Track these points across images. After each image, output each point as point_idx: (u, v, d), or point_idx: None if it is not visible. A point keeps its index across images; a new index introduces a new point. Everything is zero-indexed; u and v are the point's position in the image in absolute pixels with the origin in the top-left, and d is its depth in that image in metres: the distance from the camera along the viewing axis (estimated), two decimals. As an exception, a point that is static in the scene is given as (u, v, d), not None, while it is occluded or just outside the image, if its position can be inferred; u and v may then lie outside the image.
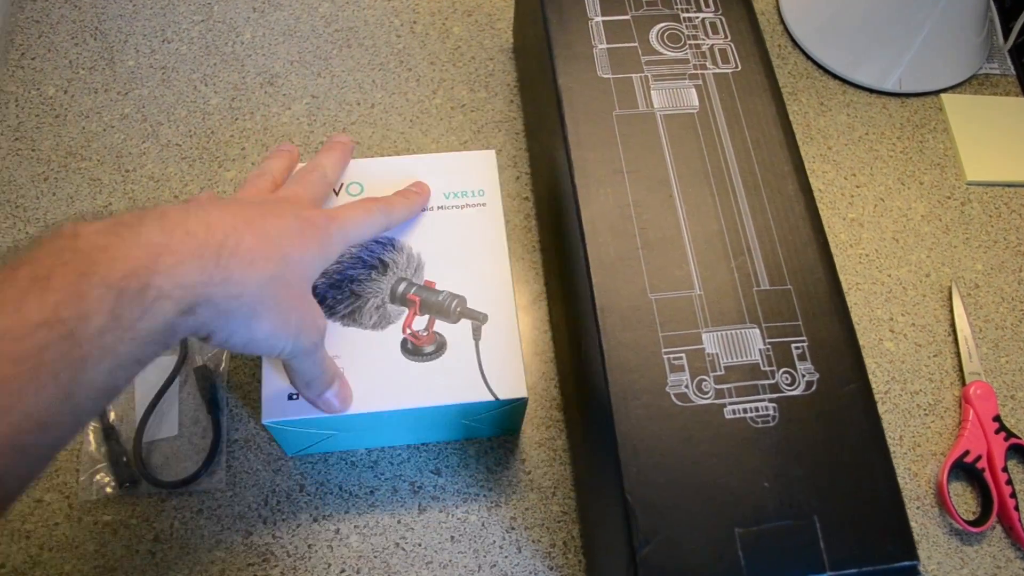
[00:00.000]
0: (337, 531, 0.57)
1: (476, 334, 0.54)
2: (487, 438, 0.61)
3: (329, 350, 0.51)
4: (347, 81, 0.75)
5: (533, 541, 0.57)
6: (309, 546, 0.57)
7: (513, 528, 0.58)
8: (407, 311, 0.54)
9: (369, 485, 0.59)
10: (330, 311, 0.54)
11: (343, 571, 0.56)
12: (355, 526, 0.58)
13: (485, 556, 0.57)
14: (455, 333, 0.54)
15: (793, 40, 0.80)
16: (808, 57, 0.79)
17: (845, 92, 0.78)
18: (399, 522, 0.58)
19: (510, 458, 0.60)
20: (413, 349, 0.53)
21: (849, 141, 0.75)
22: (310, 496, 0.58)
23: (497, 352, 0.54)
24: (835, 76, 0.79)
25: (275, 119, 0.73)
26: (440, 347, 0.53)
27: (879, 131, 0.76)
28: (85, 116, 0.73)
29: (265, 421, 0.51)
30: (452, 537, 0.57)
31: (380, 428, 0.56)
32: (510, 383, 0.53)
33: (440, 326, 0.54)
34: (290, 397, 0.52)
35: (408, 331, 0.54)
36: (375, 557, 0.57)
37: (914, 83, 0.77)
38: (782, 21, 0.81)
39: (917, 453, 0.62)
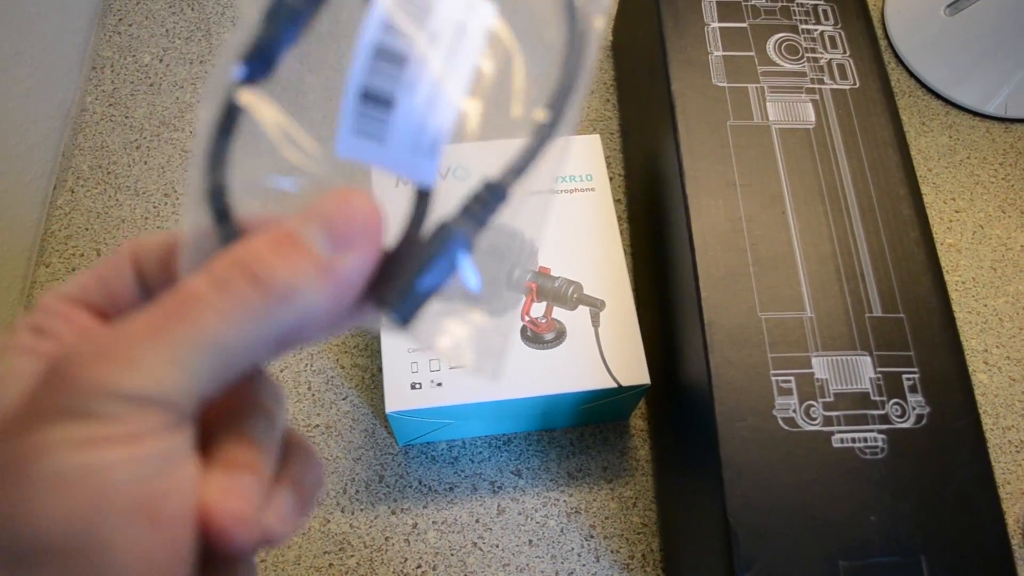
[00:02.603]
0: (415, 525, 0.57)
1: (595, 320, 0.54)
2: (570, 442, 0.60)
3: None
4: (442, 68, 0.74)
5: (612, 551, 0.57)
6: (386, 538, 0.57)
7: (592, 536, 0.57)
8: (524, 298, 0.54)
9: (449, 481, 0.58)
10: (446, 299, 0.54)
11: (419, 567, 0.56)
12: (433, 522, 0.57)
13: (563, 563, 0.56)
14: (573, 320, 0.54)
15: (897, 55, 0.78)
16: (911, 74, 0.77)
17: (948, 113, 0.76)
18: (477, 521, 0.57)
19: (591, 464, 0.59)
20: (533, 336, 0.53)
21: (950, 164, 0.73)
22: (389, 488, 0.58)
23: (616, 338, 0.54)
24: (937, 95, 0.76)
25: (368, 102, 0.72)
26: (560, 335, 0.53)
27: (981, 156, 0.74)
28: (179, 86, 0.72)
29: (389, 411, 0.51)
30: (530, 541, 0.57)
31: (497, 417, 0.56)
32: (632, 369, 0.53)
33: (558, 313, 0.54)
34: (412, 387, 0.52)
35: (527, 318, 0.54)
36: (452, 555, 0.56)
37: (1020, 109, 0.75)
38: (887, 35, 0.79)
39: (1006, 491, 0.61)
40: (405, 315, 0.21)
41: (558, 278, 0.55)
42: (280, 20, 0.21)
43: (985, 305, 0.67)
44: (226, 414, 0.21)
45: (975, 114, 0.76)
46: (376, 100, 0.20)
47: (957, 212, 0.71)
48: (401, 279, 0.20)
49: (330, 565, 0.56)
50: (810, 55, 0.58)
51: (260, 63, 0.21)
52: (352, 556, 0.56)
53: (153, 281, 0.22)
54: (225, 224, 0.20)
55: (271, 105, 0.20)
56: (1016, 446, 0.62)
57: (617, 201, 0.69)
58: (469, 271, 0.21)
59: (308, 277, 0.19)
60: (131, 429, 0.18)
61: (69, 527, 0.17)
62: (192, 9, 0.76)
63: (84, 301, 0.22)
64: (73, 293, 0.22)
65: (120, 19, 0.75)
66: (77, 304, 0.22)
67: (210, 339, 0.18)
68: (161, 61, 0.73)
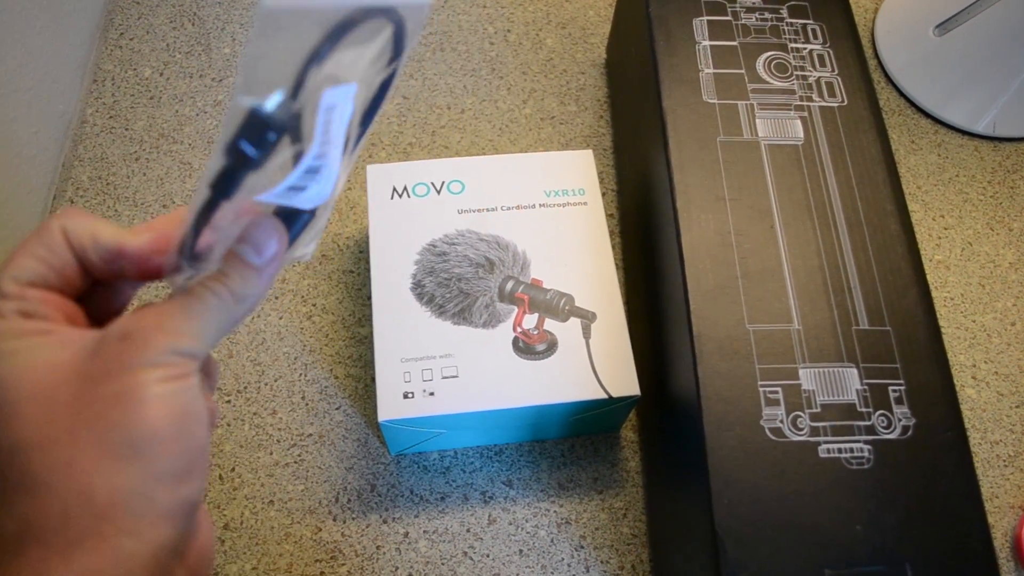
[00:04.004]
0: (406, 535, 0.57)
1: (586, 332, 0.55)
2: (561, 453, 0.60)
3: (442, 349, 0.54)
4: (438, 85, 0.76)
5: (602, 562, 0.57)
6: (378, 547, 0.57)
7: (582, 547, 0.58)
8: (516, 309, 0.55)
9: (440, 491, 0.59)
10: (440, 310, 0.55)
11: (410, 575, 0.56)
12: (424, 531, 0.58)
13: (553, 573, 0.57)
14: (565, 331, 0.55)
15: (887, 74, 0.79)
16: (901, 93, 0.78)
17: (937, 132, 0.77)
18: (468, 531, 0.58)
19: (582, 475, 0.60)
20: (525, 348, 0.54)
21: (939, 182, 0.74)
22: (381, 497, 0.58)
23: (607, 350, 0.54)
24: (927, 114, 0.78)
25: (365, 117, 0.73)
26: (551, 346, 0.54)
27: (970, 174, 0.75)
28: (179, 100, 0.73)
29: (381, 420, 0.52)
30: (520, 551, 0.57)
31: (489, 426, 0.56)
32: (622, 381, 0.54)
33: (550, 324, 0.55)
34: (405, 396, 0.52)
35: (519, 329, 0.54)
36: (442, 564, 0.57)
37: (1008, 128, 0.76)
38: (877, 55, 0.80)
39: (994, 505, 0.61)
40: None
41: (550, 290, 0.56)
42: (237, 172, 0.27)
43: (973, 321, 0.68)
44: None
45: (964, 133, 0.77)
46: None
47: (946, 229, 0.72)
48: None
49: (321, 573, 0.56)
50: (799, 73, 0.59)
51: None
52: (343, 565, 0.56)
53: (99, 272, 0.31)
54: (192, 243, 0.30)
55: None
56: (1004, 460, 0.63)
57: (609, 215, 0.70)
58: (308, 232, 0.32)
59: (253, 282, 0.30)
60: (185, 371, 0.28)
61: (167, 423, 0.27)
62: (192, 24, 0.77)
63: (44, 285, 0.30)
64: (30, 278, 0.29)
65: (122, 33, 0.76)
66: (39, 287, 0.29)
67: (214, 323, 0.29)
68: (161, 75, 0.74)
